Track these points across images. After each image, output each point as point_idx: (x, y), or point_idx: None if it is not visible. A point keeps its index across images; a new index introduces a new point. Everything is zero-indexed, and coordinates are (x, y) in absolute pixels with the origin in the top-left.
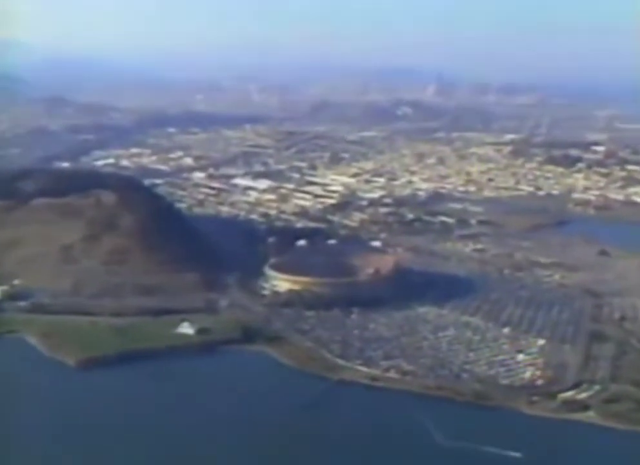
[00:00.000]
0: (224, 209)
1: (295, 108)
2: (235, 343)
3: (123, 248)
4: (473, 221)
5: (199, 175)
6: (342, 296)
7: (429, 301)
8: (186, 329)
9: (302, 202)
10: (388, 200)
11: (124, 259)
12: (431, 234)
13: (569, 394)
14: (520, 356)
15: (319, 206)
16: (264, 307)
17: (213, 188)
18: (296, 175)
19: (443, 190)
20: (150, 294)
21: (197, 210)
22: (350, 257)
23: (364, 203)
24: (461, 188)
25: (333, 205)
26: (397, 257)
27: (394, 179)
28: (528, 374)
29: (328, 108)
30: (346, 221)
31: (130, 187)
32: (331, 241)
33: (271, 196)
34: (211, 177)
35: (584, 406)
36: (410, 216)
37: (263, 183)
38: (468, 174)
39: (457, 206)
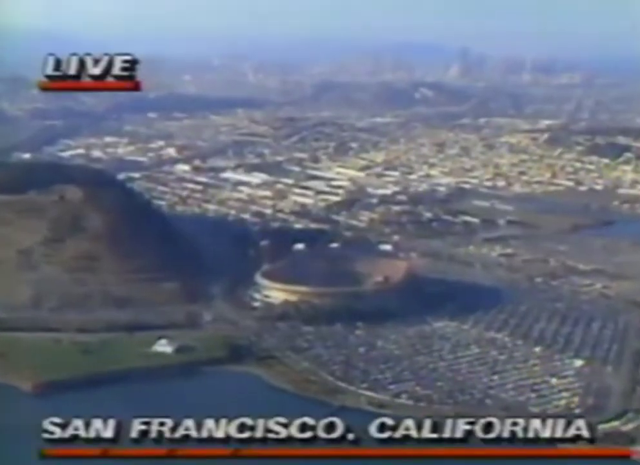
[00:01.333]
0: (211, 207)
1: (296, 91)
2: (220, 363)
3: (91, 253)
4: (501, 222)
5: (182, 168)
6: (345, 308)
7: (447, 315)
8: (164, 347)
9: (302, 199)
10: (402, 197)
11: (93, 266)
12: (452, 237)
13: (611, 425)
14: (555, 380)
15: (322, 204)
16: (255, 321)
17: (199, 184)
18: (296, 169)
19: (467, 186)
20: (123, 306)
21: (180, 209)
22: (356, 263)
23: (374, 200)
24: (488, 183)
25: (338, 203)
26: (411, 263)
27: (410, 173)
28: (563, 402)
29: (334, 91)
30: (353, 222)
31: (100, 182)
32: (334, 245)
33: (267, 193)
34: (197, 170)
35: (630, 439)
36: (427, 215)
37: (257, 178)
38: (497, 166)
39: (483, 204)
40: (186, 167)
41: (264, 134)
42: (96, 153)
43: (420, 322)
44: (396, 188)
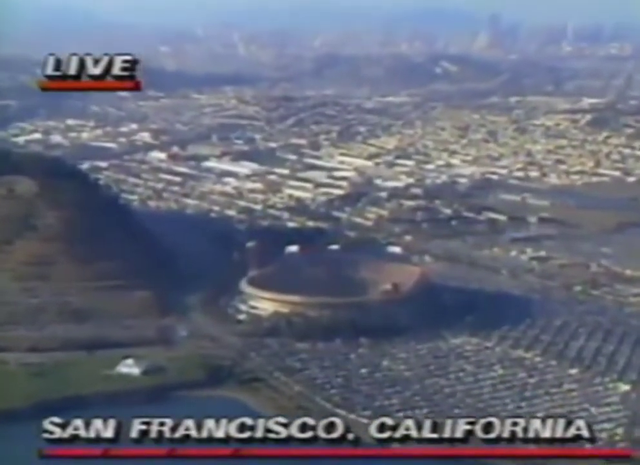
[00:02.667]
0: (191, 202)
1: (294, 65)
2: (197, 387)
3: (45, 257)
4: (533, 219)
5: (158, 157)
6: (346, 321)
7: (467, 330)
8: (130, 368)
9: (298, 193)
10: (416, 190)
11: (46, 272)
12: (474, 237)
13: None
14: (594, 408)
15: (322, 198)
16: (239, 337)
17: (177, 174)
18: (292, 157)
19: (494, 177)
20: (82, 320)
21: (154, 204)
22: (360, 268)
23: (384, 194)
24: (519, 174)
25: (340, 197)
26: (425, 268)
27: (426, 162)
28: (604, 434)
29: (339, 65)
30: (358, 219)
31: (57, 173)
32: (335, 247)
33: (257, 185)
34: (175, 158)
35: None
36: (446, 211)
37: (246, 167)
38: (530, 153)
39: (512, 198)
40: (162, 155)
41: (256, 116)
42: (56, 138)
43: (434, 338)
44: (410, 180)
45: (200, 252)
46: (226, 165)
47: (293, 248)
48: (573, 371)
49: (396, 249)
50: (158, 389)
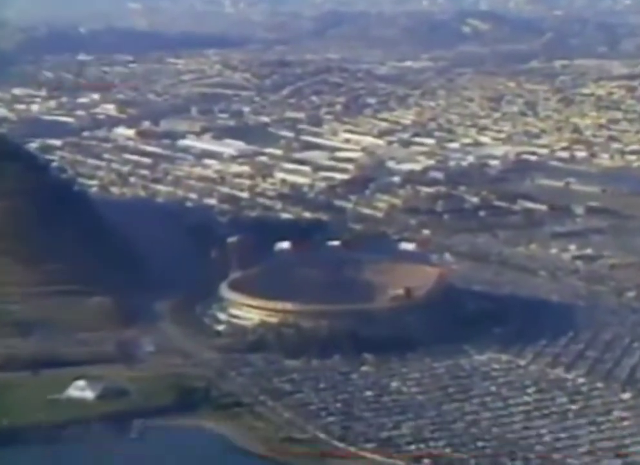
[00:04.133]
0: (163, 189)
1: (291, 25)
2: (166, 414)
3: None
4: (579, 210)
5: (125, 133)
6: (348, 334)
7: (495, 344)
8: (83, 391)
9: (294, 178)
10: (437, 174)
11: None
12: (507, 231)
13: None
14: None
15: (322, 184)
16: (218, 352)
17: (147, 155)
18: (287, 134)
19: (532, 157)
20: (25, 333)
21: (117, 192)
22: (365, 269)
23: (397, 179)
24: (563, 154)
25: (345, 183)
26: (445, 269)
27: (450, 140)
28: None
29: (344, 24)
30: (365, 210)
31: None
32: (336, 243)
33: (244, 168)
34: (145, 135)
35: None
36: (473, 200)
37: (231, 147)
38: (576, 129)
39: (554, 183)
40: (129, 132)
41: (244, 84)
42: None
43: (455, 354)
44: (429, 162)
45: (172, 249)
46: (207, 144)
47: (285, 244)
48: (625, 396)
49: (410, 246)
50: (117, 417)
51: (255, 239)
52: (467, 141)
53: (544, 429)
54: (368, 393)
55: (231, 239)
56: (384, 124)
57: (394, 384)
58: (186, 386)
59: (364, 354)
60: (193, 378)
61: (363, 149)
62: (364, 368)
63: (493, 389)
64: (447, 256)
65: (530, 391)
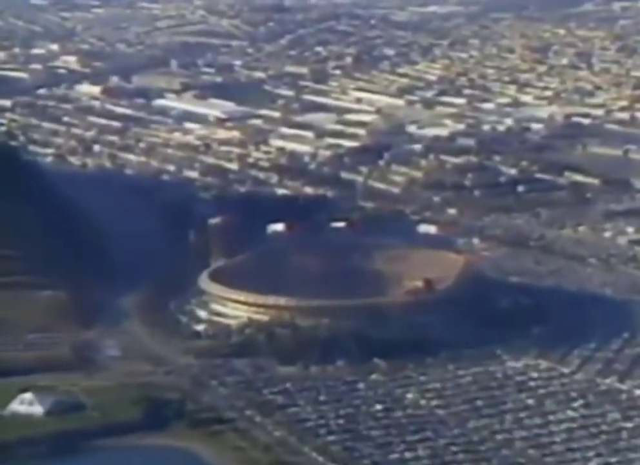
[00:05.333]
0: (134, 159)
1: None
2: (131, 432)
3: None
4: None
5: (89, 91)
6: (354, 335)
7: (533, 348)
8: (30, 405)
9: (292, 145)
10: (466, 141)
11: None
12: (551, 210)
13: None
14: None
15: (326, 153)
16: (196, 357)
17: (115, 117)
18: (286, 93)
19: (584, 120)
20: None
21: (77, 162)
22: (377, 256)
23: (418, 147)
24: (622, 115)
25: (354, 151)
26: (473, 256)
27: (483, 100)
28: None
29: None
30: (378, 184)
31: None
32: (340, 224)
33: (233, 134)
34: (113, 94)
35: None
36: (510, 172)
37: (218, 108)
38: (639, 85)
39: (610, 151)
40: (94, 89)
41: (234, 32)
42: None
43: (484, 360)
44: (458, 126)
45: (142, 232)
46: (188, 105)
47: (280, 226)
48: None
49: (432, 228)
50: (71, 437)
51: (243, 220)
52: (505, 100)
53: (592, 452)
54: (378, 407)
55: (215, 220)
56: (403, 81)
57: (410, 396)
58: (156, 398)
59: (374, 360)
60: (165, 389)
61: (378, 111)
62: (373, 376)
63: (530, 402)
64: (476, 240)
65: (575, 404)
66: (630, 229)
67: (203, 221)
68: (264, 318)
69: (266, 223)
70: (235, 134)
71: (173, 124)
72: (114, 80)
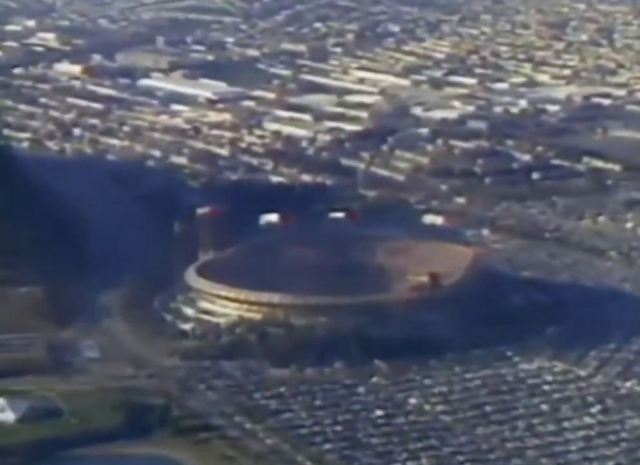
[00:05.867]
0: (117, 144)
1: None
2: (111, 439)
3: None
4: None
5: (68, 70)
6: (353, 334)
7: (548, 349)
8: (1, 412)
9: (289, 129)
10: (477, 124)
11: None
12: (567, 198)
13: None
14: None
15: (325, 138)
16: (182, 358)
17: (97, 99)
18: (283, 72)
19: (604, 101)
20: None
21: (56, 148)
22: (378, 249)
23: (425, 130)
24: None
25: (356, 136)
26: (483, 249)
27: (497, 79)
28: None
29: None
30: (381, 171)
31: None
32: (339, 215)
33: (225, 116)
34: (95, 73)
35: None
36: (524, 158)
37: (209, 88)
38: None
39: (633, 135)
40: (75, 68)
41: (226, 7)
42: None
43: (494, 361)
44: (468, 108)
45: (125, 222)
46: (176, 85)
47: (274, 217)
48: None
49: (438, 219)
50: (46, 446)
51: (234, 210)
52: (519, 80)
53: (611, 462)
54: (378, 413)
55: (203, 210)
56: (409, 59)
57: (413, 401)
58: (138, 404)
59: (375, 362)
60: (148, 393)
61: (381, 92)
62: (374, 380)
63: (544, 407)
64: (486, 232)
65: (593, 410)
66: None
67: (191, 210)
68: (256, 316)
69: (259, 214)
70: (227, 117)
71: (159, 106)
72: (96, 58)
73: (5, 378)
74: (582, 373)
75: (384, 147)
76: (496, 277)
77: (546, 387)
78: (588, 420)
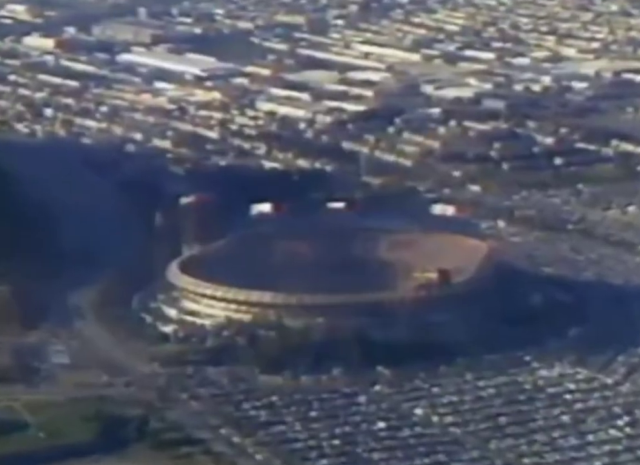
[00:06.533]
0: (94, 126)
1: None
2: (82, 455)
3: None
4: None
5: (40, 44)
6: (354, 338)
7: (571, 354)
8: None
9: (285, 109)
10: (495, 103)
11: None
12: (594, 186)
13: None
14: None
15: (326, 119)
16: (162, 365)
17: (71, 76)
18: (279, 46)
19: (636, 78)
20: None
21: (26, 130)
22: (382, 242)
23: (436, 111)
24: None
25: (360, 117)
26: (498, 243)
27: (516, 54)
28: None
29: None
30: (387, 155)
31: None
32: (338, 205)
33: (213, 95)
34: (69, 48)
35: None
36: (546, 141)
37: (196, 64)
38: None
39: None
40: (47, 42)
41: None
42: None
43: (510, 368)
44: (485, 86)
45: (101, 213)
46: (160, 60)
47: (265, 206)
48: None
49: (449, 208)
50: (10, 462)
51: (223, 199)
52: (542, 54)
53: None
54: (381, 425)
55: (188, 199)
56: (419, 32)
57: (419, 411)
58: (114, 415)
59: (377, 368)
60: (124, 404)
61: (388, 68)
62: (376, 388)
63: (565, 419)
64: (503, 223)
65: (620, 422)
66: None
67: (174, 200)
68: (246, 317)
69: (250, 203)
70: (216, 96)
71: (141, 84)
72: (70, 31)
73: None
74: (609, 381)
75: (391, 129)
76: (513, 274)
77: (568, 397)
78: (614, 433)
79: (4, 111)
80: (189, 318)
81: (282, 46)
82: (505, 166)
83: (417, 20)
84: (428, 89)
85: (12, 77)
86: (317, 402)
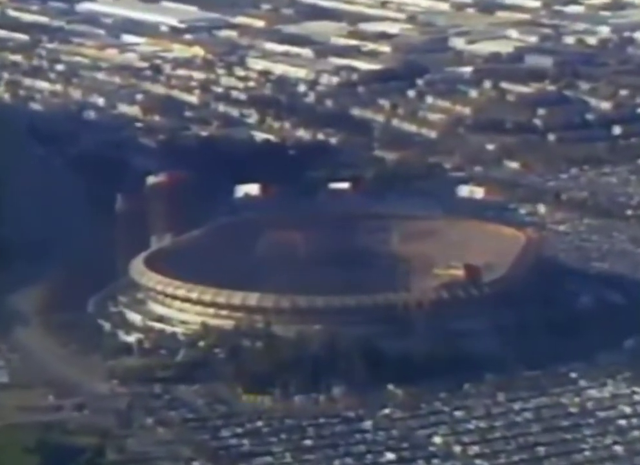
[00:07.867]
0: (46, 88)
1: None
2: None
3: None
4: None
5: None
6: (358, 349)
7: (624, 370)
8: None
9: (282, 68)
10: (540, 60)
11: None
12: None
13: None
14: None
15: (332, 80)
16: (124, 382)
17: (21, 28)
18: None
19: None
20: None
21: None
22: (395, 231)
23: (467, 69)
24: None
25: (373, 77)
26: (536, 233)
27: (546, 4)
28: None
29: None
30: (406, 125)
31: None
32: (343, 185)
33: (195, 51)
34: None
35: None
36: (601, 106)
37: (174, 13)
38: None
39: None
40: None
41: None
42: None
43: (552, 387)
44: (528, 39)
45: (53, 196)
46: (129, 9)
47: (253, 187)
48: None
49: (479, 190)
50: None
51: (201, 179)
52: (598, 0)
53: None
54: (390, 457)
55: (157, 179)
56: None
57: (438, 440)
58: (62, 445)
59: (388, 387)
60: (76, 431)
61: (410, 18)
62: (385, 411)
63: (618, 450)
64: (545, 208)
65: None
66: None
67: (141, 179)
68: (227, 324)
69: (235, 183)
70: (198, 52)
71: (105, 37)
72: None
73: None
74: None
75: (411, 93)
76: (557, 271)
77: (622, 422)
78: None
79: None
80: (157, 325)
81: None
82: (551, 137)
83: None
84: (458, 43)
85: None
86: (312, 428)
